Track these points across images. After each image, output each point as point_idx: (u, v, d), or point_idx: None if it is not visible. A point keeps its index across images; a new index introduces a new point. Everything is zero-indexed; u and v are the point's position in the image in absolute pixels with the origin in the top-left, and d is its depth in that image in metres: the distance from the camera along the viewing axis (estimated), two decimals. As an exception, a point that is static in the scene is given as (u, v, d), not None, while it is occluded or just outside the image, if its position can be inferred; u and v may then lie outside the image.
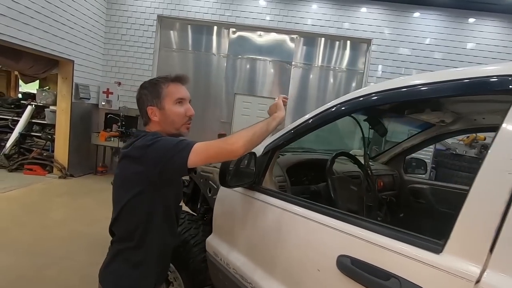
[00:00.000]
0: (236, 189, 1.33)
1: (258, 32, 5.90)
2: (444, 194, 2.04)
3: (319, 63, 5.91)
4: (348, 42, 5.83)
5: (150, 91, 1.12)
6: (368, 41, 5.70)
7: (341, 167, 1.71)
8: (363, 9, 5.63)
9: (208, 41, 6.01)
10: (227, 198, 1.35)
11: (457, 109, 1.64)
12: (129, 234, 1.07)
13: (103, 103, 5.84)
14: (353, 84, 5.92)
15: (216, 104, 6.06)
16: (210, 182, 1.64)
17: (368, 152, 1.82)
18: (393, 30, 5.62)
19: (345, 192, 1.31)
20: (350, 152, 1.74)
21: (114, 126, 5.62)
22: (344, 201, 1.22)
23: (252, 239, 1.16)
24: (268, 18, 5.72)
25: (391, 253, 0.73)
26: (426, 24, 5.59)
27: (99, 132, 5.49)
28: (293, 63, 5.91)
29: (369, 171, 1.59)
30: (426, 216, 1.81)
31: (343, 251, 0.83)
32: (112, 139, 5.39)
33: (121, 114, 5.66)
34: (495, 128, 1.78)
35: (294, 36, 5.86)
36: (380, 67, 5.68)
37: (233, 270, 1.21)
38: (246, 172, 1.21)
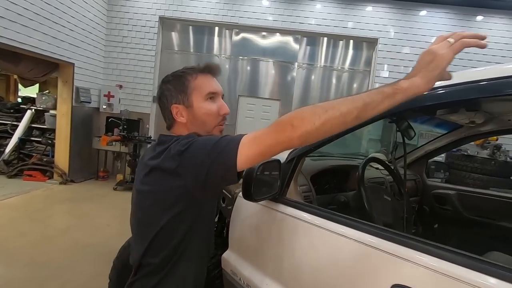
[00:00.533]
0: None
1: (262, 33, 5.79)
2: (470, 199, 1.91)
3: (324, 64, 5.79)
4: (354, 42, 5.71)
5: (174, 85, 0.90)
6: (374, 41, 5.58)
7: (369, 173, 1.58)
8: (369, 8, 5.52)
9: (210, 42, 5.90)
10: (246, 210, 1.22)
11: (491, 108, 1.51)
12: (164, 264, 0.85)
13: (104, 107, 5.72)
14: (363, 85, 5.80)
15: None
16: (224, 191, 1.51)
17: (393, 156, 1.69)
18: (399, 29, 5.51)
19: (379, 203, 1.19)
20: (378, 157, 1.61)
21: (116, 130, 5.50)
22: (378, 213, 1.10)
23: (279, 260, 1.03)
24: (271, 18, 5.61)
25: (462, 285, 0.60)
26: (433, 22, 5.48)
27: (100, 137, 5.36)
28: (297, 63, 5.79)
29: (401, 178, 1.45)
30: (460, 226, 1.68)
31: (398, 280, 0.70)
32: (113, 144, 5.27)
33: (123, 117, 5.54)
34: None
35: (298, 36, 5.74)
36: (386, 66, 5.56)
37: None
38: (269, 182, 1.08)
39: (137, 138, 5.18)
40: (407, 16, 5.50)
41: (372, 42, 5.63)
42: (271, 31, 5.72)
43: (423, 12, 5.50)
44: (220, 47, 5.87)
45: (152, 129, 5.84)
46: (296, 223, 1.00)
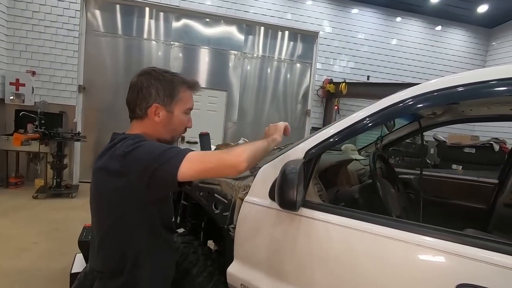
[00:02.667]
0: (267, 204, 1.08)
1: (205, 19, 5.46)
2: (427, 182, 2.12)
3: (270, 54, 5.80)
4: (297, 34, 5.86)
5: (164, 86, 0.95)
6: (315, 34, 5.82)
7: (352, 165, 1.60)
8: (309, 2, 5.71)
9: (146, 25, 5.28)
10: (258, 216, 1.09)
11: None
12: (122, 267, 0.90)
13: (11, 98, 4.65)
14: (304, 76, 6.01)
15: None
16: (216, 195, 1.33)
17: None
18: (337, 24, 5.86)
19: (389, 196, 1.19)
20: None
21: (30, 126, 4.51)
22: (393, 207, 1.10)
23: (309, 269, 0.93)
24: (216, 4, 5.32)
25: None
26: (364, 20, 5.99)
27: (10, 135, 4.35)
28: (243, 53, 5.67)
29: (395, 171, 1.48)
30: (424, 207, 1.83)
31: (462, 279, 0.68)
32: (30, 143, 4.32)
33: (39, 111, 4.57)
34: (480, 119, 1.89)
35: (243, 25, 5.61)
36: (325, 59, 5.88)
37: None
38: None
39: (61, 135, 4.36)
40: (343, 12, 5.88)
41: (313, 35, 5.87)
42: (215, 17, 5.44)
43: (355, 10, 5.95)
44: (157, 31, 5.32)
45: (80, 124, 5.00)
46: (327, 228, 0.91)
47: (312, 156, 1.02)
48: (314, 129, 5.92)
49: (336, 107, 5.68)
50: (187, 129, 1.06)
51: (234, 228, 1.24)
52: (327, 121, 5.80)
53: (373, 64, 6.04)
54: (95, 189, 0.93)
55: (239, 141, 2.60)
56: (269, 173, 1.13)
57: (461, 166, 4.72)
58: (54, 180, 4.39)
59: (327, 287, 0.91)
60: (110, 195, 0.88)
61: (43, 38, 4.75)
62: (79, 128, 4.89)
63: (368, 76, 5.94)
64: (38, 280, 2.32)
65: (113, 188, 0.86)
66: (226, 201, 1.29)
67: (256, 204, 1.10)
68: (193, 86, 1.02)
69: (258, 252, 1.08)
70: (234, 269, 1.15)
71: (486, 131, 6.09)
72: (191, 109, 1.04)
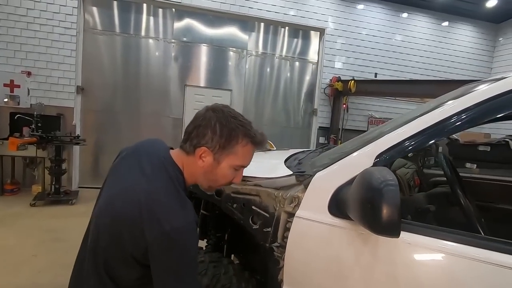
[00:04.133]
0: (328, 221, 0.89)
1: (208, 16, 5.25)
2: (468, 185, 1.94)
3: (279, 53, 5.62)
4: (303, 31, 5.68)
5: (222, 133, 0.85)
6: (321, 30, 5.65)
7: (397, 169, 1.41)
8: (316, -2, 5.54)
9: (144, 23, 5.05)
10: (318, 236, 0.90)
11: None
12: None
13: (5, 100, 4.41)
14: (310, 75, 5.83)
15: (163, 97, 5.21)
16: (255, 208, 1.14)
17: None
18: (344, 21, 5.69)
19: (471, 208, 1.01)
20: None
21: (25, 129, 4.26)
22: (477, 220, 0.92)
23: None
24: (219, 0, 5.12)
25: None
26: (371, 16, 5.83)
27: (5, 139, 4.10)
28: (248, 51, 5.48)
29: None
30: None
31: None
32: (26, 147, 4.08)
33: (35, 113, 4.33)
34: None
35: (249, 22, 5.41)
36: (333, 57, 5.72)
37: None
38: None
39: (59, 138, 4.12)
40: (349, 8, 5.72)
41: (319, 31, 5.70)
42: (217, 14, 5.23)
43: (361, 6, 5.80)
44: (156, 29, 5.10)
45: (79, 127, 4.77)
46: (424, 254, 0.73)
47: (385, 163, 0.83)
48: (322, 129, 5.75)
49: (344, 105, 5.51)
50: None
51: (278, 247, 1.05)
52: (334, 120, 5.63)
53: (380, 61, 5.88)
54: (111, 214, 0.84)
55: None
56: (326, 183, 0.94)
57: (475, 165, 4.57)
58: (53, 186, 4.15)
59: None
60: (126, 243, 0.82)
61: (38, 36, 4.51)
62: (78, 131, 4.65)
63: (376, 74, 5.78)
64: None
65: (130, 244, 0.81)
66: (267, 215, 1.10)
67: (314, 220, 0.91)
68: (257, 142, 0.90)
69: (318, 279, 0.89)
70: (285, 299, 0.96)
71: (495, 128, 5.97)
72: (245, 166, 0.93)
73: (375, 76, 5.76)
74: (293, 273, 0.96)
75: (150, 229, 0.76)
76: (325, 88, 5.64)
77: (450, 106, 0.80)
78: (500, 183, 1.81)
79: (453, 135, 4.99)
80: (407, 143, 0.82)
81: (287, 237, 1.01)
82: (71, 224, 3.43)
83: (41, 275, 2.42)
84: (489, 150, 4.57)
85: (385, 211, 0.60)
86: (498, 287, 0.64)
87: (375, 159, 0.85)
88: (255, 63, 5.55)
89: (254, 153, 0.94)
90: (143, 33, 5.05)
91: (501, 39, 6.47)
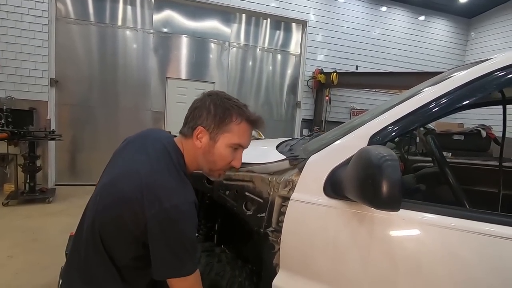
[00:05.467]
0: (325, 203, 0.90)
1: (190, 6, 5.11)
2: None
3: (258, 44, 5.58)
4: (285, 23, 5.66)
5: (216, 112, 0.88)
6: (304, 23, 5.66)
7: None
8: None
9: (121, 12, 4.84)
10: (314, 218, 0.90)
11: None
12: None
13: (-30, 93, 4.10)
14: (293, 67, 5.84)
15: (143, 90, 5.04)
16: (248, 194, 1.12)
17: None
18: (325, 13, 5.73)
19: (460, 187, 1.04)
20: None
21: (-6, 124, 4.02)
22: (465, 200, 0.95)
23: (393, 281, 0.76)
24: (199, -10, 5.00)
25: None
26: (352, 9, 5.90)
27: (-29, 135, 3.82)
28: (230, 43, 5.40)
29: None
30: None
31: None
32: (-5, 143, 3.83)
33: (5, 107, 4.09)
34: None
35: (232, 13, 5.33)
36: (315, 49, 5.76)
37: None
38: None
39: (33, 133, 3.90)
40: (330, 1, 5.76)
41: (301, 25, 5.71)
42: (198, 4, 5.11)
43: (342, -1, 5.86)
44: (137, 19, 4.90)
45: (54, 121, 4.53)
46: (419, 230, 0.74)
47: (379, 144, 0.84)
48: (305, 121, 5.81)
49: (327, 97, 5.59)
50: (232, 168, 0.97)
51: (273, 232, 1.04)
52: (317, 112, 5.70)
53: (361, 54, 5.99)
54: (113, 195, 0.84)
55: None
56: (320, 165, 0.94)
57: (450, 153, 4.80)
58: (27, 185, 3.93)
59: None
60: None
61: (5, 25, 4.21)
62: (53, 126, 4.41)
63: (357, 66, 5.89)
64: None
65: (131, 223, 0.82)
66: (261, 200, 1.09)
67: (309, 203, 0.91)
68: (253, 121, 0.91)
69: (316, 261, 0.89)
70: (282, 282, 0.95)
71: (468, 119, 6.29)
72: (242, 146, 0.93)
73: (356, 69, 5.87)
74: (289, 256, 0.96)
75: (150, 207, 0.77)
76: (308, 80, 5.69)
77: (445, 84, 0.82)
78: (476, 166, 1.90)
79: (429, 125, 5.21)
80: (401, 123, 0.84)
81: (282, 221, 1.00)
82: (48, 224, 3.27)
83: (19, 276, 2.30)
84: (462, 139, 4.81)
85: (387, 186, 0.60)
86: (491, 256, 0.67)
87: (369, 139, 0.86)
88: (237, 55, 5.49)
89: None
90: (120, 23, 4.84)
91: (472, 33, 6.77)
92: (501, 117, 1.26)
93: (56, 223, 3.27)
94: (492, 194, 1.82)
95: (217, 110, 0.88)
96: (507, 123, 1.33)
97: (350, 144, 0.89)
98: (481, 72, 0.78)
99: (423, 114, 0.81)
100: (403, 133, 0.86)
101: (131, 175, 0.83)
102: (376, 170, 0.62)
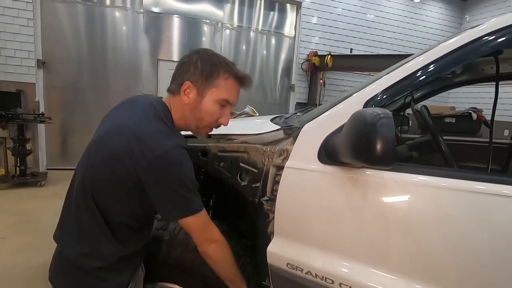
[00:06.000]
0: (319, 168, 0.90)
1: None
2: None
3: (251, 25, 5.46)
4: (279, 4, 5.54)
5: (204, 67, 0.88)
6: (298, 4, 5.55)
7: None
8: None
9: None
10: (308, 184, 0.91)
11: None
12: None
13: (-47, 75, 3.95)
14: (287, 50, 5.76)
15: (134, 73, 4.93)
16: (243, 165, 1.13)
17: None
18: (320, -6, 5.62)
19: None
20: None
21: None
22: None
23: (385, 242, 0.78)
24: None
25: None
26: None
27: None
28: (223, 24, 5.27)
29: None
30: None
31: None
32: (-17, 126, 3.75)
33: (-11, 89, 3.98)
34: (504, 77, 1.80)
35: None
36: (310, 31, 5.67)
37: (345, 286, 0.83)
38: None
39: (21, 116, 3.81)
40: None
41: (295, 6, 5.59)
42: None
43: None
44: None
45: (43, 104, 4.42)
46: (409, 191, 0.76)
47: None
48: (299, 105, 5.79)
49: (321, 80, 5.56)
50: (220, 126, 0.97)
51: (267, 201, 1.05)
52: (311, 96, 5.68)
53: (355, 37, 5.93)
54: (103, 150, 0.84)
55: (245, 109, 2.39)
56: (315, 133, 0.94)
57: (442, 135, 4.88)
58: (17, 168, 3.87)
59: (408, 259, 0.76)
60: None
61: (-14, 2, 4.02)
62: (42, 109, 4.31)
63: (351, 49, 5.84)
64: (15, 279, 2.01)
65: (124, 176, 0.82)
66: (256, 171, 1.09)
67: (304, 169, 0.92)
68: (240, 78, 0.92)
69: (309, 226, 0.91)
70: (277, 248, 0.97)
71: (459, 103, 6.36)
72: (229, 103, 0.93)
73: (351, 52, 5.82)
74: (283, 224, 0.97)
75: (142, 157, 0.77)
76: (302, 63, 5.63)
77: (438, 49, 0.81)
78: (466, 143, 1.94)
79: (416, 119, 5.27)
80: (396, 88, 0.84)
81: (276, 190, 1.01)
82: (41, 207, 3.25)
83: (14, 257, 2.30)
84: (454, 121, 4.88)
85: (381, 143, 0.60)
86: (480, 213, 0.69)
87: (364, 106, 0.86)
88: (230, 37, 5.38)
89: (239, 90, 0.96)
90: (108, 1, 4.66)
91: (467, 16, 6.74)
92: (492, 100, 1.27)
93: (49, 206, 3.25)
94: (481, 170, 1.88)
95: (204, 65, 0.87)
96: (498, 105, 1.34)
97: (345, 111, 0.89)
98: (473, 37, 0.78)
99: (417, 78, 0.81)
100: (399, 95, 0.85)
101: (120, 130, 0.83)
102: (371, 128, 0.62)
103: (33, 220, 2.91)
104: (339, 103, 0.97)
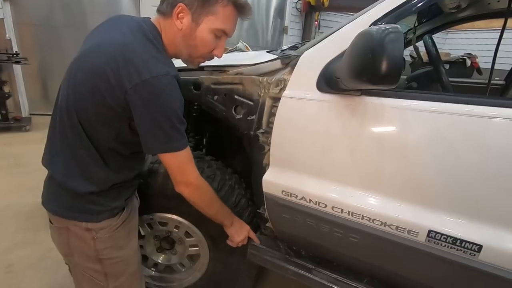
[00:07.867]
0: (317, 97, 0.88)
1: None
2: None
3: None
4: None
5: None
6: None
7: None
8: None
9: None
10: (306, 113, 0.89)
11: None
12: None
13: None
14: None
15: (113, 9, 4.49)
16: (237, 97, 1.09)
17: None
18: None
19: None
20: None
21: None
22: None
23: (380, 166, 0.80)
24: None
25: None
26: None
27: None
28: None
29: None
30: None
31: None
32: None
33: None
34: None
35: None
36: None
37: (337, 209, 0.87)
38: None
39: (-7, 56, 3.52)
40: None
41: None
42: None
43: None
44: None
45: (15, 43, 4.06)
46: (405, 115, 0.75)
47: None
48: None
49: (316, 22, 5.24)
50: (213, 58, 0.91)
51: (263, 133, 1.04)
52: (305, 39, 5.40)
53: None
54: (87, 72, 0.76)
55: (238, 44, 2.26)
56: (314, 59, 0.90)
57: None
58: (-2, 114, 3.71)
59: (400, 182, 0.79)
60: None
61: None
62: (15, 48, 3.97)
63: (350, -13, 5.41)
64: (13, 217, 2.06)
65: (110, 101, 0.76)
66: (251, 103, 1.06)
67: (301, 98, 0.89)
68: (240, 5, 0.81)
69: (305, 153, 0.91)
70: (272, 176, 0.99)
71: (455, 49, 6.23)
72: (226, 33, 0.85)
73: (349, -10, 5.40)
74: (278, 155, 0.97)
75: (128, 79, 0.71)
76: (297, 2, 5.23)
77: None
78: (463, 84, 1.94)
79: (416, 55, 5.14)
80: (403, 8, 0.78)
81: (272, 122, 0.99)
82: (28, 151, 3.20)
83: (7, 196, 2.32)
84: (448, 68, 4.84)
85: (388, 59, 0.57)
86: (475, 135, 0.70)
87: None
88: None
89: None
90: None
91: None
92: (487, 47, 1.20)
93: (37, 150, 3.13)
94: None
95: None
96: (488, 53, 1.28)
97: (348, 35, 0.83)
98: None
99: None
100: (409, 14, 0.79)
101: (104, 46, 0.75)
102: (378, 43, 0.58)
103: (22, 164, 2.89)
104: (340, 28, 0.90)
